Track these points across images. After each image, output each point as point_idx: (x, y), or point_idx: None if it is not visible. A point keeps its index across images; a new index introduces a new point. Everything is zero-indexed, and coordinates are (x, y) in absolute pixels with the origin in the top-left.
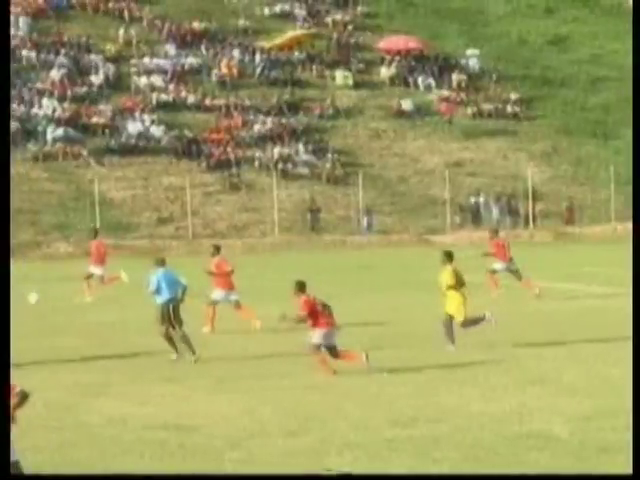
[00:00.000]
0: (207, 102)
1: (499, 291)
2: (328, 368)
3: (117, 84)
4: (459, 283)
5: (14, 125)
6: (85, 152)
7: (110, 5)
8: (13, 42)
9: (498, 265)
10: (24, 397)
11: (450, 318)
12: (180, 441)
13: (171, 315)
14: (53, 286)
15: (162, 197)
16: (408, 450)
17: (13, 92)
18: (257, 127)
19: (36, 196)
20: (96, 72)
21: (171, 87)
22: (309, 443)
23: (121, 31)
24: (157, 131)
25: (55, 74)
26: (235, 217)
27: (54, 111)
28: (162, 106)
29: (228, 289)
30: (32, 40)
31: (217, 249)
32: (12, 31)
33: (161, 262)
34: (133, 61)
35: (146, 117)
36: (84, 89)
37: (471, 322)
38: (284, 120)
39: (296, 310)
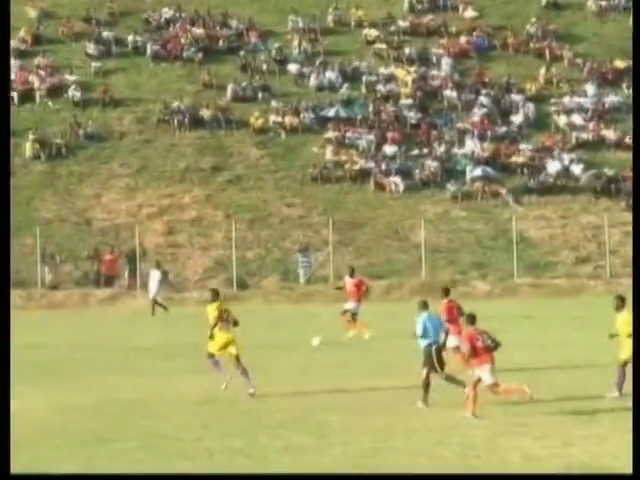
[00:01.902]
0: (627, 140)
1: None
2: (475, 408)
3: (537, 123)
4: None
5: (434, 165)
6: (504, 191)
7: (531, 45)
8: (435, 83)
9: None
10: None
11: (625, 364)
12: None
13: (434, 358)
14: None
15: (580, 236)
16: None
17: (434, 132)
18: None
19: (455, 235)
20: (516, 111)
21: (591, 126)
22: None
23: (542, 70)
24: (576, 170)
25: (476, 114)
26: None
27: (474, 151)
28: (582, 145)
29: (457, 334)
30: (454, 81)
31: (446, 292)
32: (434, 72)
33: (424, 305)
34: (553, 100)
35: (565, 156)
36: (504, 128)
37: None
38: None
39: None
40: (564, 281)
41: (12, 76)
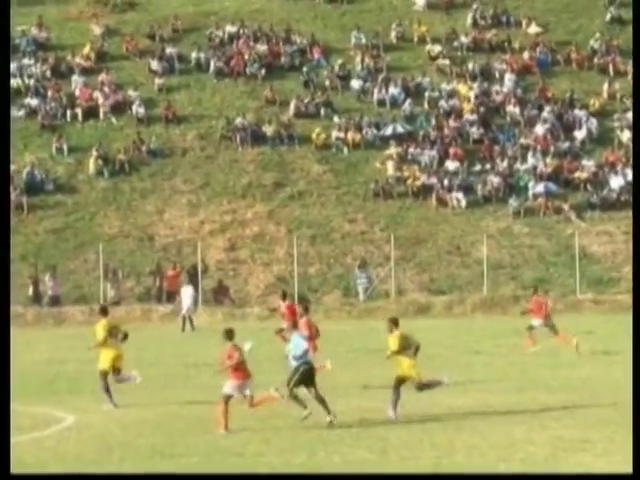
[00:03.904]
0: None
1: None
2: (224, 423)
3: (600, 139)
4: (407, 347)
5: (497, 181)
6: (566, 207)
7: (595, 60)
8: (498, 98)
9: (536, 321)
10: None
11: (400, 382)
12: None
13: (306, 377)
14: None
15: None
16: None
17: (497, 148)
18: None
19: (517, 251)
20: (580, 127)
21: None
22: None
23: (605, 85)
24: None
25: (539, 129)
26: None
27: (536, 166)
28: None
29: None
30: (517, 96)
31: (306, 309)
32: (497, 87)
33: (295, 326)
34: (617, 115)
35: (629, 171)
36: (567, 144)
37: (427, 385)
38: None
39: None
40: (627, 297)
41: (76, 92)
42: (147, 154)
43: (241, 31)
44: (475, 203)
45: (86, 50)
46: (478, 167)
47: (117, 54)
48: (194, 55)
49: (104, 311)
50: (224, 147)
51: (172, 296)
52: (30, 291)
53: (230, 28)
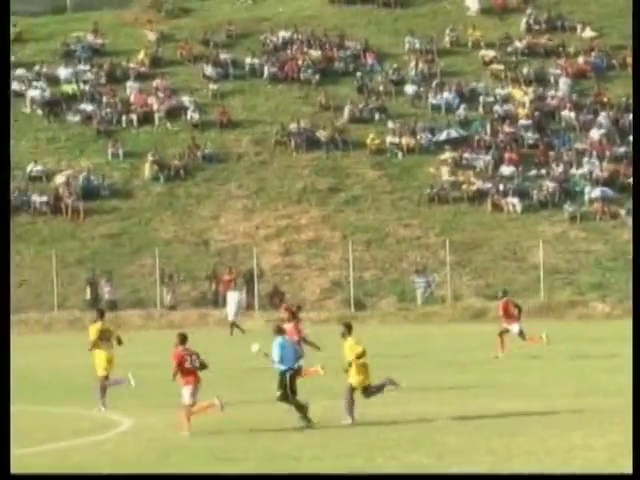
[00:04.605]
0: None
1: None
2: (189, 426)
3: None
4: (363, 354)
5: (552, 186)
6: (623, 212)
7: None
8: (553, 103)
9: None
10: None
11: (352, 389)
12: None
13: (287, 385)
14: (587, 346)
15: None
16: None
17: (552, 153)
18: None
19: (573, 256)
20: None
21: None
22: None
23: None
24: None
25: (595, 134)
26: None
27: (592, 171)
28: None
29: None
30: (572, 101)
31: (293, 314)
32: (552, 92)
33: (279, 331)
34: None
35: None
36: (623, 149)
37: (376, 390)
38: None
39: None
40: None
41: (131, 98)
42: (202, 159)
43: (295, 36)
44: (531, 208)
45: (141, 56)
46: (533, 172)
47: (171, 60)
48: (248, 61)
49: (100, 314)
50: (279, 152)
51: None
52: (87, 295)
53: (284, 33)
